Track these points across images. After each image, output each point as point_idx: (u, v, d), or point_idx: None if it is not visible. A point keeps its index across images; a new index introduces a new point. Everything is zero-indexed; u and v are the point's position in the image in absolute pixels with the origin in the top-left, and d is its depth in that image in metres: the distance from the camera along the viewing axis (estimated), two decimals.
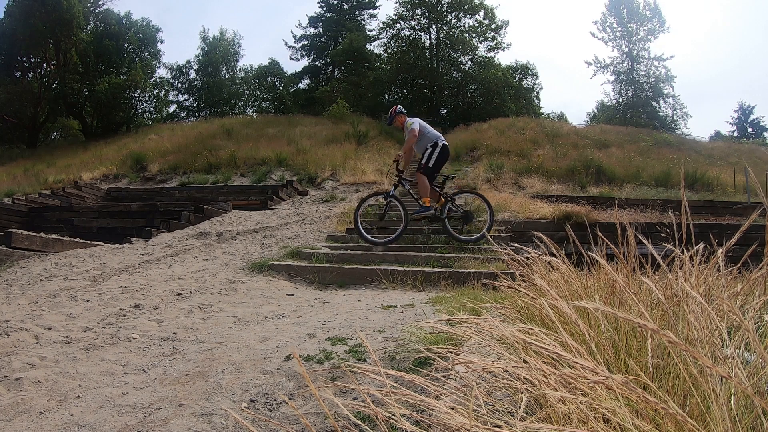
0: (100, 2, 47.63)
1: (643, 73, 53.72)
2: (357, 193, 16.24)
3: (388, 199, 9.24)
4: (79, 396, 3.05)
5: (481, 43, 49.73)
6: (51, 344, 4.05)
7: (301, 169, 20.06)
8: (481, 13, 48.86)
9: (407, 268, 7.17)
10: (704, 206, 16.29)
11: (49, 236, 9.30)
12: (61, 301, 5.51)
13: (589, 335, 1.58)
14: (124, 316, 4.93)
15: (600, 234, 2.78)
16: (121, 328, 4.49)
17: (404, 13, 49.36)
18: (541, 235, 2.87)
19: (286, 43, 71.35)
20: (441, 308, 4.87)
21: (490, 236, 8.41)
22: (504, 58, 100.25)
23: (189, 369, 3.32)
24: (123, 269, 7.42)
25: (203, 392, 2.87)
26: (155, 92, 49.46)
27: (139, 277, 6.83)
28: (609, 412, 1.22)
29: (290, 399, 2.71)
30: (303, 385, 2.86)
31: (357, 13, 57.73)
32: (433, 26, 49.04)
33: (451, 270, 7.05)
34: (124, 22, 48.02)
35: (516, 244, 5.62)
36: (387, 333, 3.85)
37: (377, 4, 57.64)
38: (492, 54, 50.18)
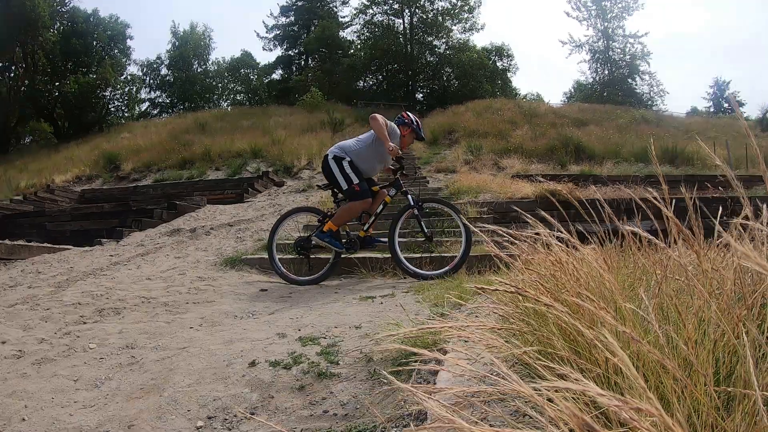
0: (66, 0, 46.83)
1: (619, 50, 54.05)
2: None
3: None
4: (24, 419, 2.72)
5: (455, 25, 49.76)
6: (1, 360, 3.72)
7: (276, 159, 19.82)
8: None
9: (387, 256, 6.86)
10: (686, 180, 16.19)
11: (15, 243, 8.94)
12: (20, 312, 5.16)
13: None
14: (84, 323, 4.61)
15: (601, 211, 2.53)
16: (78, 337, 4.16)
17: None
18: (546, 215, 2.56)
19: (257, 34, 70.97)
20: (423, 297, 4.61)
21: (473, 217, 7.90)
22: (479, 40, 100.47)
23: (144, 382, 3.00)
24: (90, 273, 7.08)
25: (156, 409, 2.56)
26: (126, 90, 48.87)
27: (106, 280, 6.50)
28: None
29: (252, 414, 2.41)
30: (268, 396, 2.56)
31: (329, 0, 57.37)
32: (406, 10, 48.89)
33: (433, 255, 6.77)
34: (91, 19, 47.32)
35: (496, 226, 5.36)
36: (364, 328, 3.58)
37: None
38: (466, 36, 50.50)
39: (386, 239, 6.59)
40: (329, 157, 6.61)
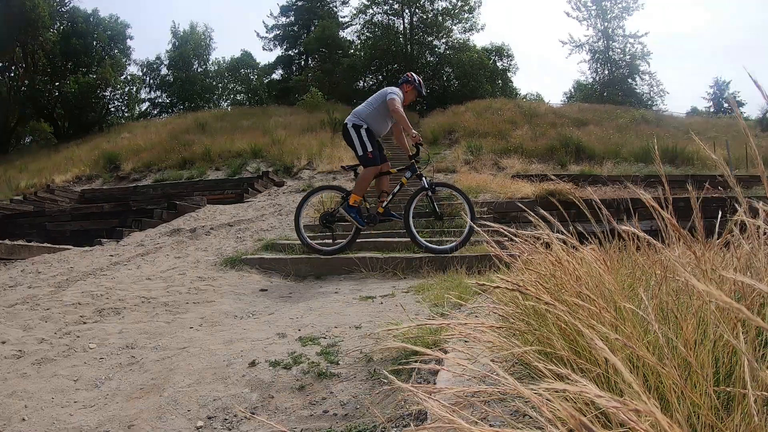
0: (66, 0, 46.70)
1: (619, 50, 53.94)
2: (335, 181, 15.94)
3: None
4: (24, 419, 2.72)
5: (455, 25, 49.61)
6: (1, 360, 3.72)
7: (276, 159, 19.76)
8: None
9: (387, 255, 6.95)
10: (686, 180, 16.15)
11: (15, 243, 8.91)
12: (20, 312, 5.16)
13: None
14: (84, 323, 4.61)
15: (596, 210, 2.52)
16: (78, 337, 4.16)
17: None
18: (544, 213, 2.57)
19: (257, 34, 70.78)
20: (423, 297, 4.61)
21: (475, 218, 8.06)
22: (479, 40, 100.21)
23: (144, 382, 3.00)
24: (90, 273, 7.07)
25: (156, 409, 2.56)
26: (126, 90, 48.73)
27: (106, 280, 6.49)
28: None
29: (252, 414, 2.41)
30: (268, 396, 2.56)
31: (329, 0, 57.24)
32: (406, 10, 48.73)
33: (434, 255, 6.81)
34: (91, 19, 47.10)
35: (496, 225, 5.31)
36: (364, 328, 3.57)
37: None
38: (467, 36, 50.22)
39: (401, 215, 7.30)
40: (348, 125, 7.39)
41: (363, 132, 7.27)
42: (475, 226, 2.52)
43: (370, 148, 7.23)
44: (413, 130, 7.19)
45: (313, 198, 8.13)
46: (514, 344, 1.64)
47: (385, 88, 7.59)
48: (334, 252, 7.36)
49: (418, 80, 7.77)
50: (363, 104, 7.65)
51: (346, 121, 7.48)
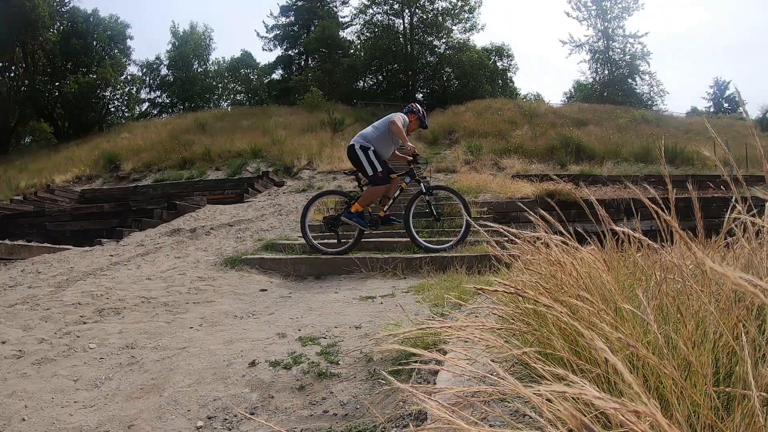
0: (66, 0, 46.69)
1: (619, 50, 53.95)
2: (335, 182, 15.93)
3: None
4: (24, 419, 2.72)
5: (455, 25, 49.61)
6: (1, 360, 3.72)
7: (276, 159, 19.73)
8: None
9: (387, 255, 6.96)
10: (686, 180, 16.16)
11: (15, 243, 8.88)
12: (20, 312, 5.15)
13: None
14: (84, 323, 4.60)
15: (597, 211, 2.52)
16: (78, 337, 4.15)
17: None
18: (544, 214, 2.56)
19: (257, 34, 70.74)
20: (423, 297, 4.61)
21: (473, 217, 8.12)
22: (479, 40, 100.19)
23: (144, 382, 3.00)
24: (90, 273, 7.05)
25: (156, 409, 2.55)
26: (126, 90, 48.72)
27: (106, 280, 6.48)
28: None
29: (252, 414, 2.41)
30: (268, 396, 2.56)
31: (329, 0, 57.23)
32: (406, 10, 48.71)
33: (434, 255, 6.81)
34: (91, 19, 47.13)
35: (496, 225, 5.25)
36: (364, 328, 3.57)
37: None
38: (467, 36, 50.23)
39: (402, 219, 7.60)
40: (356, 147, 7.58)
41: (371, 153, 7.49)
42: (471, 222, 2.53)
43: (379, 168, 7.46)
44: (409, 143, 7.49)
45: (317, 202, 8.28)
46: (514, 345, 1.64)
47: (391, 114, 7.84)
48: (339, 253, 7.48)
49: (423, 112, 8.10)
50: (369, 127, 7.89)
51: (353, 143, 7.68)
